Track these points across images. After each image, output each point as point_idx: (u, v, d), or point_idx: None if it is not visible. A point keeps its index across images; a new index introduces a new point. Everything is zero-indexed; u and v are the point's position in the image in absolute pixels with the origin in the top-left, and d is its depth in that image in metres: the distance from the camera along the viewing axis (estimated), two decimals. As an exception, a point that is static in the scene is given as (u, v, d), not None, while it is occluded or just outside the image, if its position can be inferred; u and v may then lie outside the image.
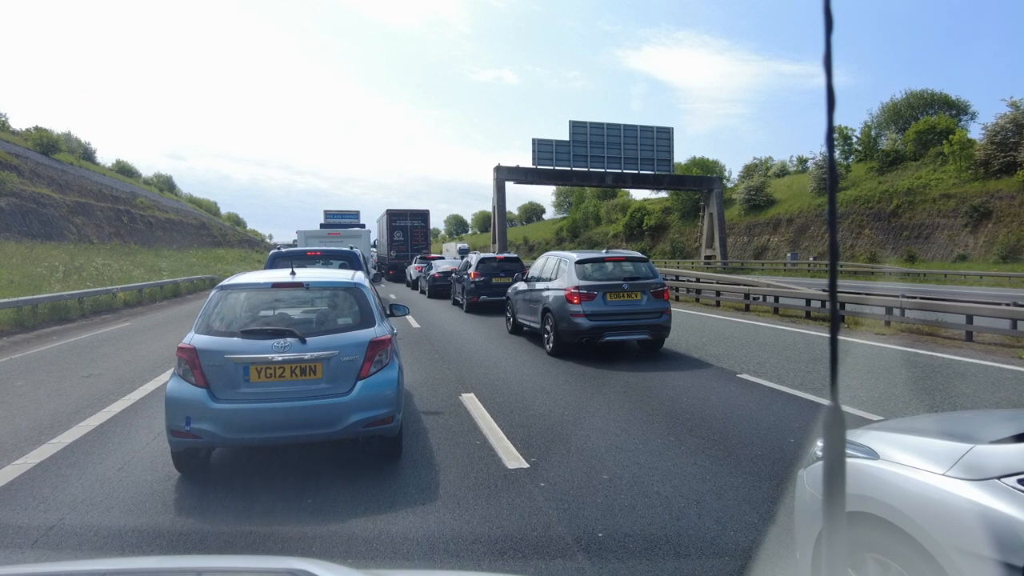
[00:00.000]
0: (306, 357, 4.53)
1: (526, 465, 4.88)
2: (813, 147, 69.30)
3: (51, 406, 7.05)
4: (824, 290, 15.40)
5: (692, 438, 5.58)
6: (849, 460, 2.60)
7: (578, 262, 10.33)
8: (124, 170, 61.73)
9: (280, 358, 4.48)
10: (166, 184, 73.31)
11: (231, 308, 4.91)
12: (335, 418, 4.50)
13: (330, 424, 4.50)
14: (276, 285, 5.05)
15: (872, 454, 2.50)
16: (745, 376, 8.24)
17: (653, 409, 6.62)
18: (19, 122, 60.43)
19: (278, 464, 5.09)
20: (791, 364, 9.07)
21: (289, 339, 4.55)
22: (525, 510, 4.07)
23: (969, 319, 11.05)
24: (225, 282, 5.13)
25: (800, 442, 5.46)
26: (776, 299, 16.33)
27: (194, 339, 4.59)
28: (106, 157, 75.47)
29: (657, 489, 4.40)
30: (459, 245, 66.70)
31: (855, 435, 2.87)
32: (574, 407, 6.77)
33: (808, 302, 15.04)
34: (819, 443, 2.96)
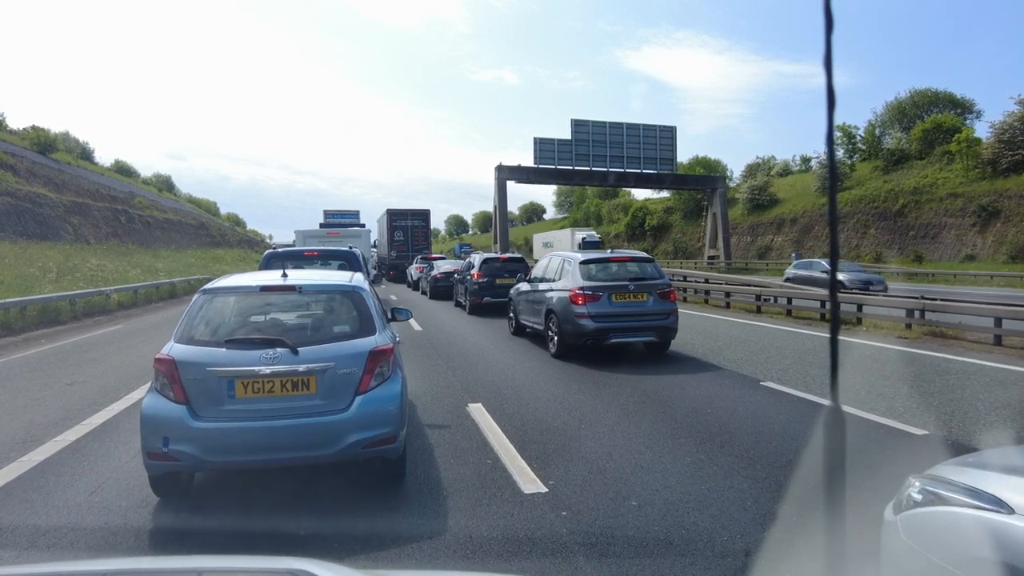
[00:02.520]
0: (298, 370, 4.03)
1: (544, 489, 4.38)
2: (814, 147, 68.70)
3: (27, 418, 6.55)
4: (842, 291, 14.91)
5: (724, 456, 5.09)
6: (977, 514, 2.04)
7: (582, 262, 9.91)
8: (122, 170, 61.25)
9: (269, 371, 3.99)
10: (165, 184, 72.82)
11: (215, 314, 4.41)
12: (331, 438, 3.99)
13: (325, 445, 3.99)
14: (265, 289, 4.55)
15: (1002, 506, 1.98)
16: (770, 384, 7.74)
17: (677, 422, 6.12)
18: (16, 121, 59.89)
19: (265, 489, 4.58)
20: (816, 370, 8.57)
21: (279, 349, 4.05)
22: (547, 546, 3.57)
23: (998, 322, 10.54)
24: (209, 285, 4.62)
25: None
26: (789, 300, 15.83)
27: (173, 349, 4.09)
28: (105, 157, 74.98)
29: (694, 519, 3.90)
30: (585, 235, 49.84)
31: (959, 473, 2.33)
32: (590, 419, 6.28)
33: (823, 303, 14.54)
34: (916, 482, 2.44)
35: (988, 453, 2.91)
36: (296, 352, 4.05)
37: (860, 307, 13.74)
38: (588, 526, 3.80)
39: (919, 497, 2.32)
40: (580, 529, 3.76)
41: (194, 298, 4.49)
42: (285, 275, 4.70)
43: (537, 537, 3.68)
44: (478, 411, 6.56)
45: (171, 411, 3.91)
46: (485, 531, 3.77)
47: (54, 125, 77.09)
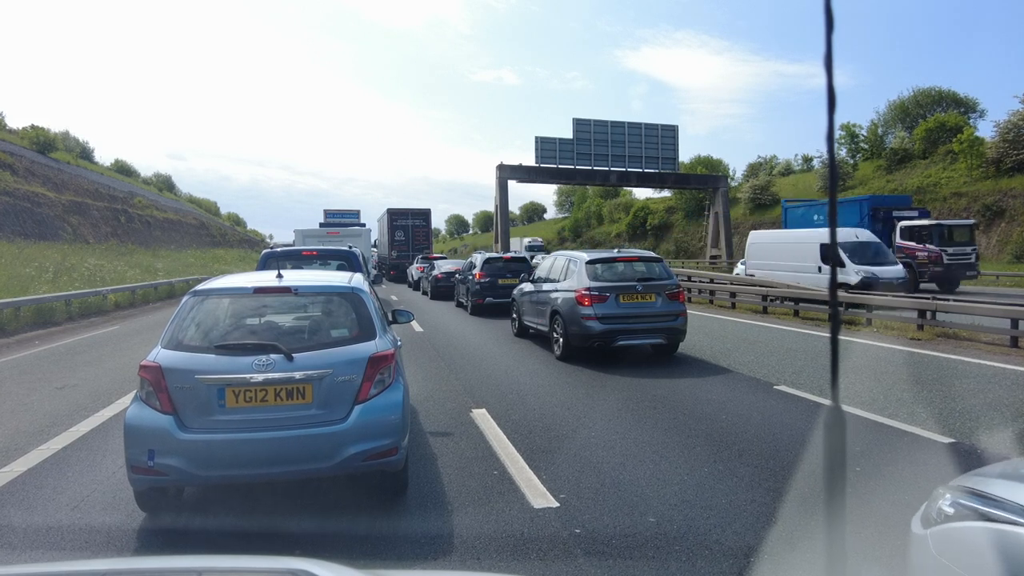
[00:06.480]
0: (294, 377, 3.77)
1: (555, 504, 4.12)
2: (814, 147, 68.40)
3: (13, 424, 6.30)
4: (849, 291, 14.64)
5: (743, 466, 4.83)
6: (1019, 530, 1.87)
7: (589, 262, 9.65)
8: (122, 169, 60.99)
9: (261, 378, 3.73)
10: (165, 184, 72.52)
11: (206, 317, 4.15)
12: (328, 451, 3.74)
13: (322, 458, 3.73)
14: (259, 290, 4.29)
15: None
16: (783, 388, 7.48)
17: (690, 429, 5.86)
18: (16, 121, 59.79)
19: (255, 503, 4.32)
20: (829, 373, 8.30)
21: (273, 355, 3.79)
22: (561, 567, 3.32)
23: (1015, 323, 10.26)
24: (200, 287, 4.36)
25: (867, 471, 4.71)
26: (796, 301, 15.56)
27: (160, 355, 3.83)
28: (105, 157, 74.81)
29: (716, 537, 3.64)
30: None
31: (993, 485, 2.15)
32: (600, 426, 6.01)
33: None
34: (946, 494, 2.27)
35: (1018, 462, 2.76)
36: (291, 358, 3.80)
37: (870, 308, 13.48)
38: (604, 545, 3.54)
39: (951, 511, 2.16)
40: (596, 549, 3.50)
41: (183, 300, 4.22)
42: (280, 276, 4.45)
43: (550, 557, 3.42)
44: (482, 417, 6.31)
45: (157, 422, 3.65)
46: (494, 551, 3.51)
47: (54, 125, 76.80)
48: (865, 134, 52.84)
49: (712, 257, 50.42)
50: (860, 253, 17.08)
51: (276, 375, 3.74)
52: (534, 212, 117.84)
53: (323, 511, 4.16)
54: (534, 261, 17.50)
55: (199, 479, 3.72)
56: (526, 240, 61.69)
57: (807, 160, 63.62)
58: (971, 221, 24.51)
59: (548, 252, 35.93)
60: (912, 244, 21.28)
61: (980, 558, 1.98)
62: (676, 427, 5.94)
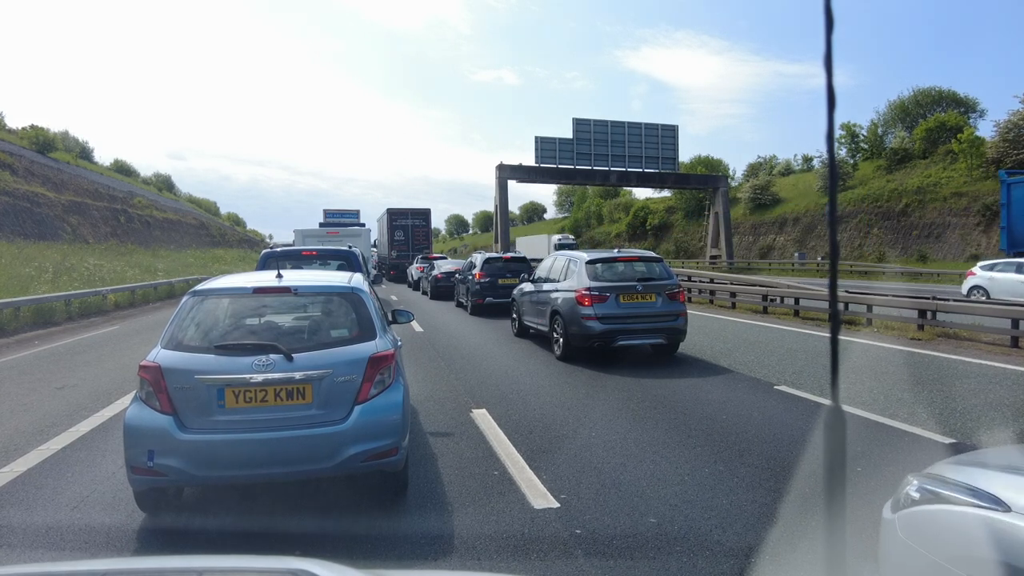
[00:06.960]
0: (294, 377, 3.76)
1: (555, 504, 4.11)
2: (815, 147, 68.34)
3: (12, 424, 6.29)
4: (849, 291, 14.64)
5: (743, 467, 4.82)
6: (974, 512, 1.95)
7: (589, 262, 9.65)
8: (122, 169, 60.98)
9: (261, 379, 3.72)
10: (165, 184, 72.50)
11: (205, 317, 4.14)
12: (328, 451, 3.73)
13: (322, 459, 3.73)
14: (258, 290, 4.28)
15: (999, 504, 1.92)
16: (784, 388, 7.48)
17: (691, 429, 5.85)
18: (16, 121, 59.80)
19: (255, 503, 4.32)
20: (829, 373, 8.29)
21: (272, 356, 3.78)
22: (561, 569, 3.31)
23: (1015, 323, 10.26)
24: (199, 287, 4.36)
25: (868, 471, 4.71)
26: (796, 301, 15.55)
27: (159, 355, 3.82)
28: (105, 157, 74.79)
29: (718, 538, 3.63)
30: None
31: (957, 472, 2.28)
32: (601, 426, 6.01)
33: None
34: (914, 480, 2.38)
35: (986, 452, 2.89)
36: (291, 358, 3.79)
37: (870, 307, 13.47)
38: (605, 547, 3.53)
39: (917, 495, 2.28)
40: (597, 550, 3.49)
41: (183, 300, 4.22)
42: (280, 276, 4.44)
43: (550, 558, 3.42)
44: (482, 417, 6.30)
45: (156, 422, 3.64)
46: (494, 551, 3.50)
47: (54, 125, 76.61)
48: (865, 134, 52.86)
49: (712, 257, 50.42)
50: None
51: (276, 375, 3.73)
52: (534, 212, 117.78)
53: (323, 511, 4.15)
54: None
55: (199, 479, 3.71)
56: (556, 237, 55.74)
57: (807, 160, 63.63)
58: None
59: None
60: None
61: (938, 537, 2.11)
62: (677, 427, 5.93)
